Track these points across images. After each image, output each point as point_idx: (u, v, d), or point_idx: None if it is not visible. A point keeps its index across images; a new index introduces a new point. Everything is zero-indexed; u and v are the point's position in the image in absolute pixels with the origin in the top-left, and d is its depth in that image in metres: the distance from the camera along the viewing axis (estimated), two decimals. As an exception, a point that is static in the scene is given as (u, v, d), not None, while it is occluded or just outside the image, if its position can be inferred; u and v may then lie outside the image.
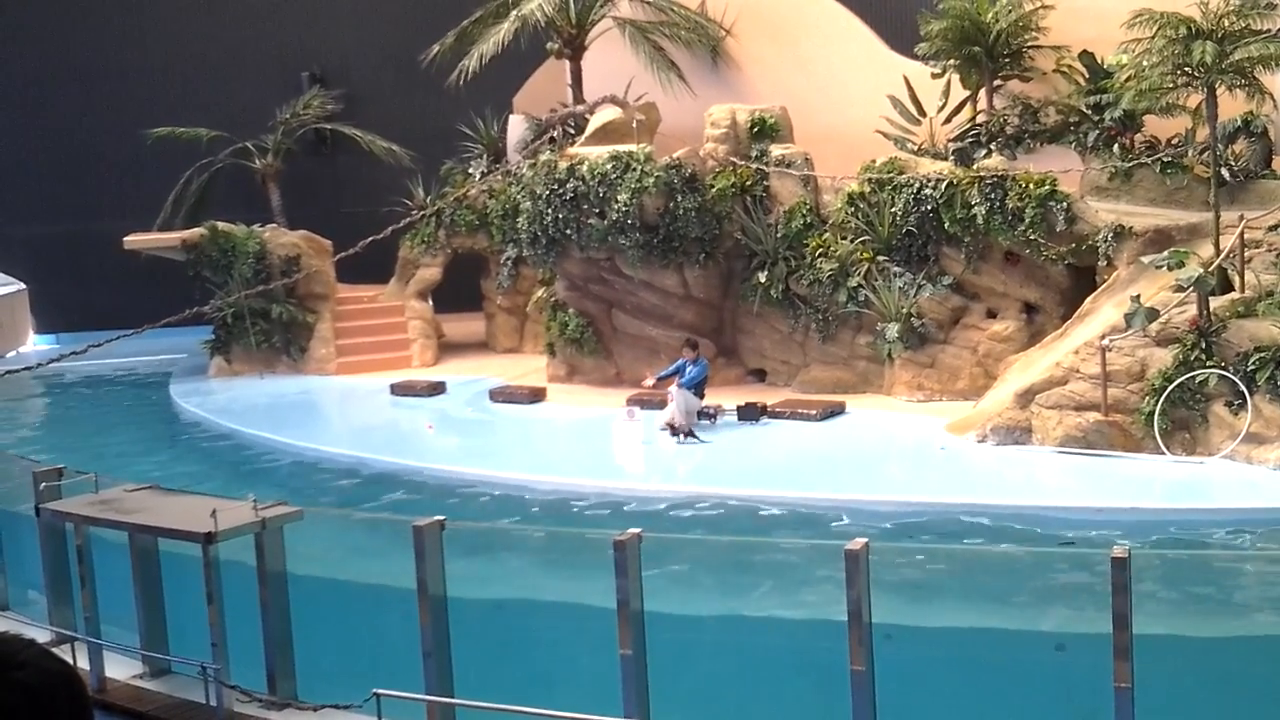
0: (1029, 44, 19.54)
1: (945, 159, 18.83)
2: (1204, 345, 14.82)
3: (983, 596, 11.86)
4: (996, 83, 19.69)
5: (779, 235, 19.18)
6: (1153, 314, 15.14)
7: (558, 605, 12.23)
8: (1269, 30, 15.43)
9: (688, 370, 17.84)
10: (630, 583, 8.47)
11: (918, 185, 18.15)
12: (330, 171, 27.46)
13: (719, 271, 19.83)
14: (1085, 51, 18.74)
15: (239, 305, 22.30)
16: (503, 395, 19.88)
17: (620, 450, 16.95)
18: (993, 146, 18.80)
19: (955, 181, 17.89)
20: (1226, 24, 15.17)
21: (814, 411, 17.71)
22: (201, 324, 22.07)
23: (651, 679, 8.53)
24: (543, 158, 20.27)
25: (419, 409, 20.17)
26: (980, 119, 19.49)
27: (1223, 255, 15.49)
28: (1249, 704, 10.14)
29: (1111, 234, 16.74)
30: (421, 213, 23.20)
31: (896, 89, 20.37)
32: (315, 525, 11.05)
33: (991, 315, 18.22)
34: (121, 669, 10.34)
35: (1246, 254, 15.75)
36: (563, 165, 19.59)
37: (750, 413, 17.76)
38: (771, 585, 12.46)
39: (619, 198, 18.96)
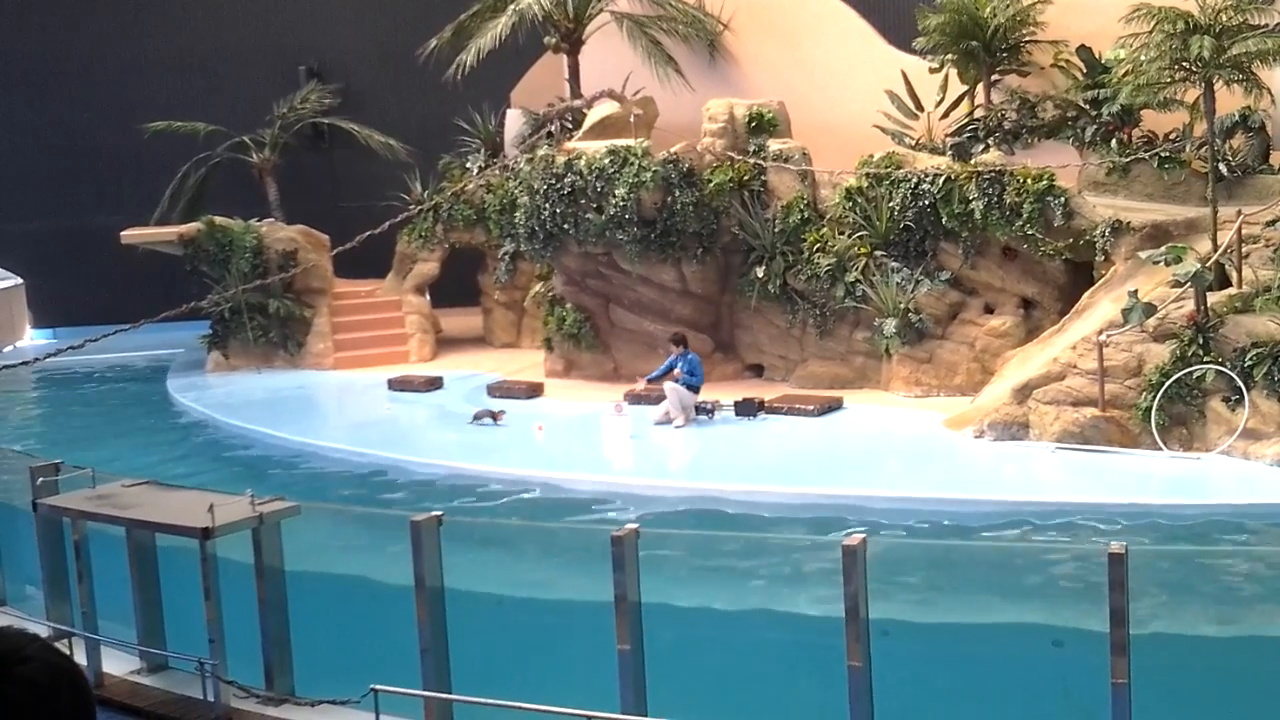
0: (1027, 39, 19.55)
1: (943, 154, 18.84)
2: (1201, 341, 14.83)
3: (980, 592, 11.86)
4: (994, 77, 19.71)
5: (776, 230, 19.18)
6: (1150, 309, 15.14)
7: (556, 600, 12.24)
8: (1266, 25, 15.42)
9: (680, 367, 17.86)
10: (628, 578, 8.48)
11: (915, 180, 18.15)
12: (327, 166, 27.46)
13: (716, 266, 19.82)
14: (1083, 46, 18.75)
15: (236, 300, 22.30)
16: (500, 390, 19.88)
17: (609, 446, 16.94)
18: (990, 141, 18.82)
19: (953, 176, 17.88)
20: (1224, 19, 15.16)
21: (811, 407, 17.71)
22: (199, 319, 22.06)
23: (648, 673, 8.55)
24: (540, 152, 20.26)
25: (414, 403, 20.18)
26: (978, 114, 19.50)
27: (1220, 250, 15.49)
28: (1246, 701, 10.16)
29: (1109, 229, 16.74)
30: (419, 207, 23.19)
31: (894, 84, 20.38)
32: (313, 520, 11.05)
33: (989, 310, 18.22)
34: (119, 665, 10.34)
35: (1244, 249, 15.75)
36: (560, 160, 19.58)
37: (747, 408, 17.76)
38: (769, 580, 12.47)
39: (616, 192, 18.96)
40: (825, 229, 18.97)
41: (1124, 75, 17.07)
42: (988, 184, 17.60)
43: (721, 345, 20.09)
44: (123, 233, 23.70)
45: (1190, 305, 15.09)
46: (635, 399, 18.37)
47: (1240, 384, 14.46)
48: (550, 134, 22.02)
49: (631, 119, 20.18)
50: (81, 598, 10.54)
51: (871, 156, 18.79)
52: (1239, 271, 15.72)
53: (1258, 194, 16.78)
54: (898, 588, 11.40)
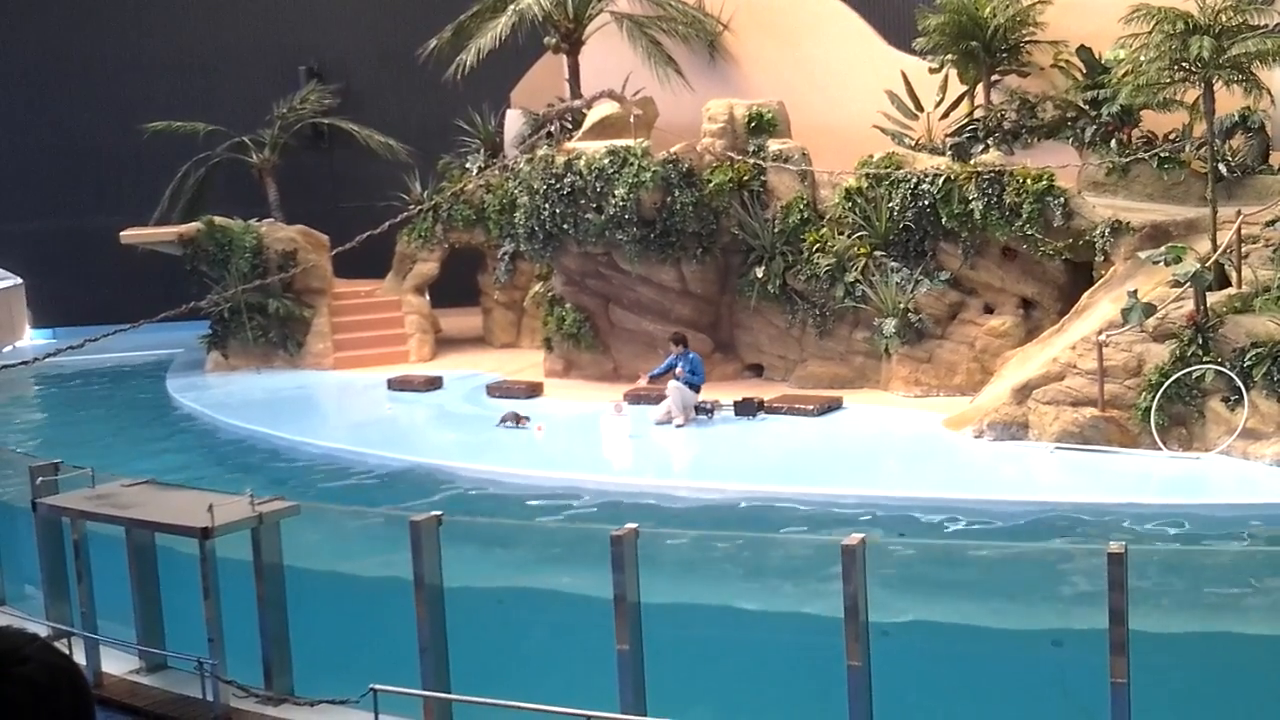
0: (1026, 39, 19.55)
1: (943, 154, 18.84)
2: (1201, 341, 14.83)
3: (980, 592, 11.87)
4: (994, 78, 19.71)
5: (776, 230, 19.18)
6: (1150, 309, 15.15)
7: (557, 600, 12.24)
8: (1266, 25, 15.42)
9: (682, 366, 17.87)
10: (627, 577, 8.48)
11: (915, 180, 18.15)
12: (327, 166, 27.46)
13: (716, 267, 19.82)
14: (1083, 46, 18.75)
15: (236, 300, 22.30)
16: (500, 390, 19.88)
17: (610, 446, 16.94)
18: (990, 142, 18.82)
19: (953, 177, 17.88)
20: (1224, 19, 15.16)
21: (811, 407, 17.72)
22: (198, 319, 22.06)
23: (647, 673, 8.55)
24: (540, 152, 20.26)
25: (414, 403, 20.18)
26: (978, 114, 19.50)
27: (1220, 250, 15.49)
28: (1244, 701, 10.16)
29: (1109, 229, 16.74)
30: (419, 208, 23.18)
31: (894, 84, 20.38)
32: (312, 520, 11.05)
33: (989, 310, 18.22)
34: (118, 664, 10.34)
35: (1244, 249, 15.75)
36: (560, 160, 19.58)
37: (747, 408, 17.76)
38: (769, 580, 12.47)
39: (616, 192, 18.95)
40: (825, 229, 18.97)
41: (1124, 76, 17.06)
42: (987, 184, 17.60)
43: (721, 345, 20.09)
44: (122, 233, 23.70)
45: (1190, 305, 15.09)
46: (635, 399, 18.37)
47: (1239, 384, 14.46)
48: (550, 134, 22.02)
49: (631, 119, 20.18)
50: (81, 597, 10.53)
51: (871, 157, 18.79)
52: (1238, 271, 15.72)
53: (1257, 194, 16.78)
54: (897, 588, 11.40)
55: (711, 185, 19.39)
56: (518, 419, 17.81)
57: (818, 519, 13.76)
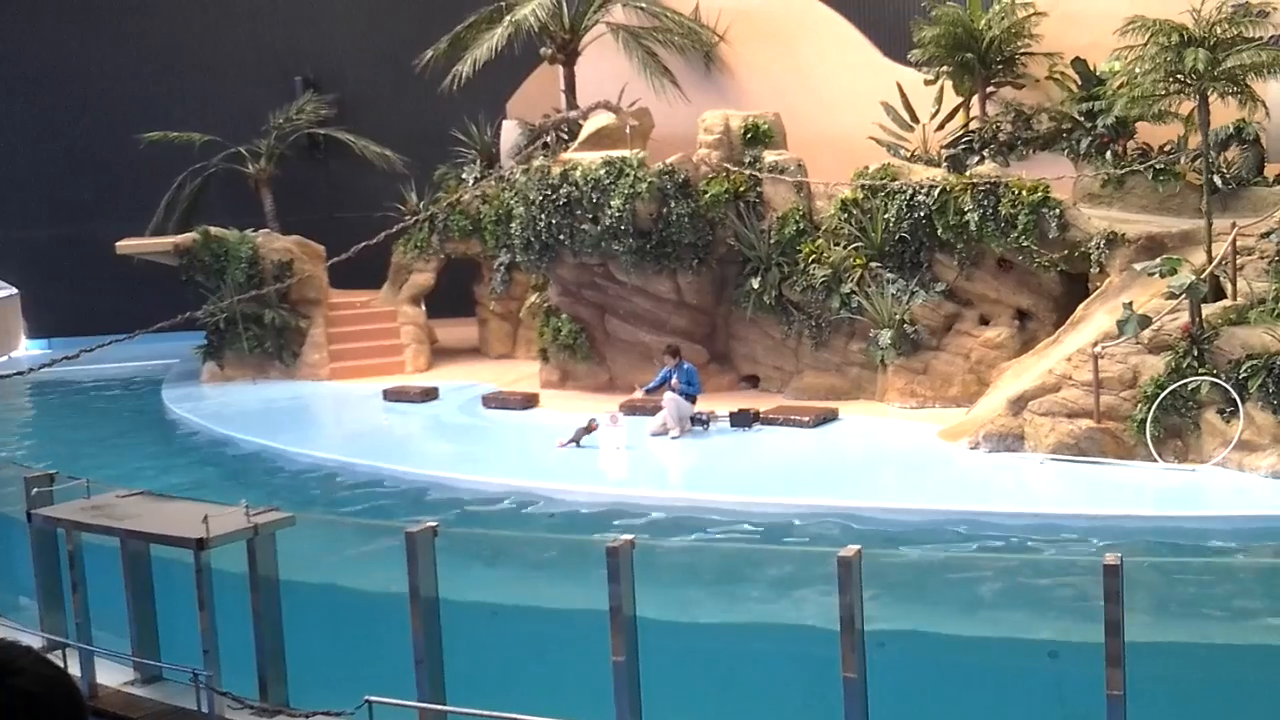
0: (1022, 51, 19.58)
1: (938, 165, 18.87)
2: (1196, 352, 14.84)
3: (975, 603, 11.86)
4: (989, 89, 19.73)
5: (772, 241, 19.19)
6: (1145, 321, 15.16)
7: (552, 611, 12.22)
8: (1260, 38, 15.47)
9: (678, 378, 17.86)
10: (622, 589, 8.47)
11: (911, 192, 18.17)
12: (323, 176, 27.46)
13: (712, 277, 19.83)
14: (1078, 58, 18.79)
15: (231, 310, 22.29)
16: (496, 401, 19.87)
17: (605, 457, 16.91)
18: (985, 153, 18.83)
19: (948, 188, 17.90)
20: (1219, 31, 15.20)
21: (807, 418, 17.71)
22: (194, 329, 22.07)
23: (643, 685, 8.53)
24: (536, 163, 20.28)
25: (410, 414, 20.17)
26: (973, 125, 19.52)
27: (1215, 262, 15.51)
28: (1240, 711, 10.15)
29: (1104, 241, 16.76)
30: (415, 218, 23.19)
31: (890, 95, 20.41)
32: (308, 531, 11.03)
33: (984, 322, 18.23)
34: (112, 675, 10.31)
35: (1238, 261, 15.77)
36: (556, 171, 19.60)
37: (743, 419, 17.76)
38: (763, 592, 12.46)
39: (612, 203, 18.97)
40: (820, 240, 18.98)
41: (1119, 87, 17.10)
42: (983, 196, 17.62)
43: (717, 356, 20.09)
44: (118, 243, 23.70)
45: (1185, 317, 15.11)
46: (631, 410, 18.35)
47: (1235, 396, 14.47)
48: (546, 145, 22.04)
49: (627, 130, 20.20)
50: (75, 608, 10.50)
51: (867, 168, 18.82)
52: (1234, 283, 15.74)
53: (1252, 206, 16.79)
54: (892, 598, 11.39)
55: (707, 196, 19.40)
56: (587, 430, 17.20)
57: (813, 530, 13.74)
